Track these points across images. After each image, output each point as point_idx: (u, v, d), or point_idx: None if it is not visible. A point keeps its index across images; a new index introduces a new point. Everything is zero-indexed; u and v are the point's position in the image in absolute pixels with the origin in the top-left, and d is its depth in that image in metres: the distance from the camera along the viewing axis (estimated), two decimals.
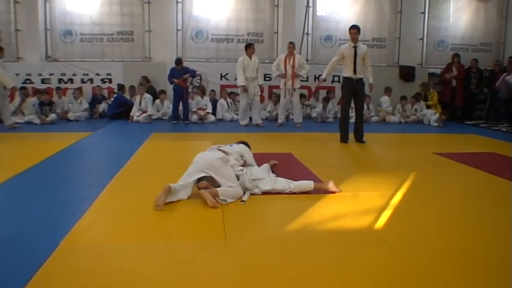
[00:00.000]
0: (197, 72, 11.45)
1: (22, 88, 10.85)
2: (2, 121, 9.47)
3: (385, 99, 11.80)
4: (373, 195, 4.53)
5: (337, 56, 7.98)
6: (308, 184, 4.53)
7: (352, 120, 8.26)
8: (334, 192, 4.48)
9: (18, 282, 2.48)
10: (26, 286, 2.45)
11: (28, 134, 8.63)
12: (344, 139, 7.92)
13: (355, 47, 7.73)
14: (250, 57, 9.81)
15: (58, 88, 11.18)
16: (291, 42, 9.96)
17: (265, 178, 4.55)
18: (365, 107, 9.99)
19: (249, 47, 9.88)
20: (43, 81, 11.38)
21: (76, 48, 11.72)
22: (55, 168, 5.70)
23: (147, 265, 2.80)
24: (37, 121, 10.03)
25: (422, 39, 13.13)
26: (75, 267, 2.76)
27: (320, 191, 4.48)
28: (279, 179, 4.59)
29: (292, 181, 4.53)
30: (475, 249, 3.18)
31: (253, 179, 4.46)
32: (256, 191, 4.42)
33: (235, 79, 10.19)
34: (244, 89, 9.78)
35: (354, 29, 7.77)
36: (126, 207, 4.02)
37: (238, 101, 11.60)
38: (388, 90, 11.94)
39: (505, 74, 11.42)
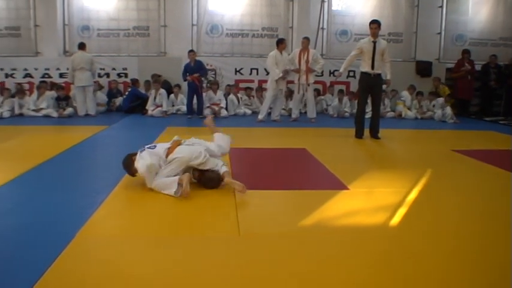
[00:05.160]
0: (210, 66, 11.60)
1: (41, 82, 11.04)
2: None
3: (405, 94, 11.70)
4: (388, 192, 4.50)
5: (356, 50, 7.88)
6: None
7: (368, 115, 8.19)
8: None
9: (35, 273, 2.52)
10: (43, 276, 2.50)
11: (45, 127, 8.78)
12: (359, 134, 7.86)
13: (374, 42, 7.64)
14: (281, 53, 9.78)
15: None
16: (305, 37, 9.92)
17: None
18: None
19: (281, 42, 9.85)
20: (61, 75, 11.53)
21: (93, 43, 11.76)
22: (71, 161, 5.80)
23: (161, 257, 2.83)
24: (55, 115, 10.19)
25: (440, 33, 12.89)
26: (90, 259, 2.81)
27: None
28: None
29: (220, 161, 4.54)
30: (491, 250, 3.10)
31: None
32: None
33: (267, 74, 10.25)
34: (285, 72, 9.72)
35: (375, 24, 7.66)
36: (140, 200, 4.07)
37: (253, 96, 11.66)
38: (411, 88, 11.81)
39: None
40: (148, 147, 4.41)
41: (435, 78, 12.14)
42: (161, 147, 4.46)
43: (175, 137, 4.66)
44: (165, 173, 4.23)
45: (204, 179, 4.37)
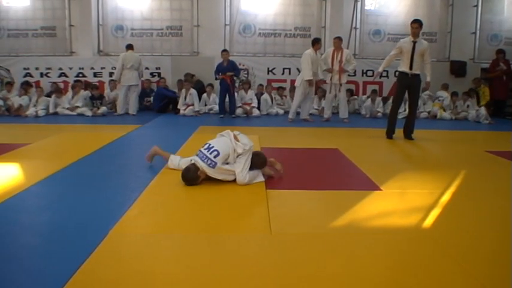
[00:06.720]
0: (242, 66, 11.71)
1: (75, 82, 11.28)
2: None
3: (444, 94, 11.51)
4: (421, 193, 4.40)
5: (396, 49, 7.77)
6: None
7: (401, 116, 8.06)
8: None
9: (68, 269, 2.54)
10: (76, 273, 2.52)
11: (80, 126, 8.92)
12: (390, 134, 7.75)
13: (414, 42, 7.52)
14: (316, 52, 9.72)
15: (111, 81, 11.46)
16: (337, 37, 9.84)
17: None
18: None
19: (317, 42, 9.74)
20: (95, 74, 11.82)
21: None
22: (106, 159, 5.84)
23: (193, 256, 2.84)
24: (89, 113, 10.39)
25: (474, 33, 12.68)
26: (123, 256, 2.82)
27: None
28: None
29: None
30: None
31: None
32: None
33: (299, 73, 10.13)
34: (311, 83, 9.65)
35: (416, 23, 7.53)
36: (173, 198, 4.07)
37: (286, 96, 11.66)
38: (444, 87, 11.66)
39: None
40: (214, 157, 4.41)
41: (476, 78, 11.99)
42: (225, 142, 4.62)
43: (226, 132, 4.82)
44: (246, 165, 4.48)
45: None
